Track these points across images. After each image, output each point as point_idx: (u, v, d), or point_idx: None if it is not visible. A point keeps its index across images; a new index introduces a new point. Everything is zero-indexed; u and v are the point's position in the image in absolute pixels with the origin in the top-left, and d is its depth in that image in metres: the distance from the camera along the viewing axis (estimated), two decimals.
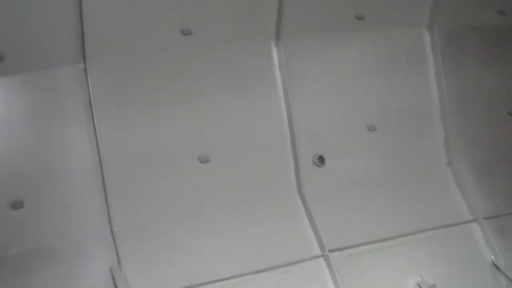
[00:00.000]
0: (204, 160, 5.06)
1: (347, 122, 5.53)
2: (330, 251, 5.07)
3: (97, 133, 4.74)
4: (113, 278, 4.57)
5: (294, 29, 5.27)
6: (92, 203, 4.76)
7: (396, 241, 5.29)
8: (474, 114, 6.02)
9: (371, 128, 5.57)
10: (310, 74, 5.42)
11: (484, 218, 5.57)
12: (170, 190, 4.97)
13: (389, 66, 5.71)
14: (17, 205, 4.54)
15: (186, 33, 4.95)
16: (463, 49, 6.03)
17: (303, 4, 5.23)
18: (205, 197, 5.06)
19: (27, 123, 4.61)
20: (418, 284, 5.15)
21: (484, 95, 6.07)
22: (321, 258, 5.07)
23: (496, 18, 6.17)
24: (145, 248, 4.77)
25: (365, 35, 5.58)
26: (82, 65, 4.71)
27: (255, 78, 5.26)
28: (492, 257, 5.42)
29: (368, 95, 5.62)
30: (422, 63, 5.85)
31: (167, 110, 4.98)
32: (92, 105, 4.71)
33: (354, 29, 5.52)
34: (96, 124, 4.73)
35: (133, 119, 4.88)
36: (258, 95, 5.27)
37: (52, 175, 4.66)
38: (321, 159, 5.37)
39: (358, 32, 5.54)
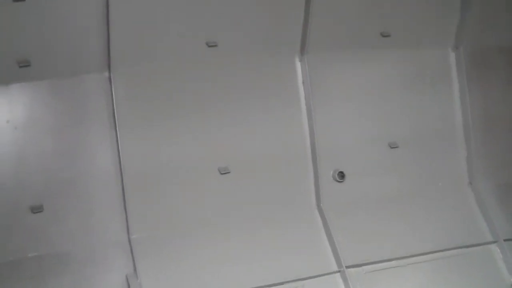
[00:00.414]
0: (224, 171, 5.06)
1: (369, 139, 5.51)
2: (347, 267, 5.05)
3: (119, 142, 4.77)
4: (129, 285, 4.60)
5: (319, 45, 5.28)
6: (111, 210, 4.79)
7: (415, 259, 5.26)
8: (498, 135, 5.97)
9: (393, 146, 5.54)
10: (333, 89, 5.42)
11: (505, 240, 5.50)
12: (188, 201, 4.98)
13: (413, 85, 5.69)
14: (36, 209, 4.58)
15: (211, 45, 4.98)
16: (489, 69, 5.99)
17: (328, 19, 5.24)
18: (223, 209, 5.07)
19: (50, 129, 4.66)
20: None
21: (508, 116, 6.02)
22: (338, 274, 5.05)
23: None
24: (162, 257, 4.78)
25: (390, 52, 5.57)
26: (107, 74, 4.76)
27: (278, 92, 5.27)
28: None
29: (391, 113, 5.60)
30: (446, 83, 5.82)
31: (189, 122, 5.00)
32: (115, 114, 4.75)
33: (379, 46, 5.51)
34: (118, 133, 4.77)
35: (155, 129, 4.91)
36: (281, 109, 5.27)
37: (73, 181, 4.70)
38: (341, 175, 5.35)
39: (383, 49, 5.53)
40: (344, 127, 5.45)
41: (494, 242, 5.49)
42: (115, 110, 4.75)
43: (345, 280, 4.97)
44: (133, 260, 4.69)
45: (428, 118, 5.72)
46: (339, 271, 5.03)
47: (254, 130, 5.18)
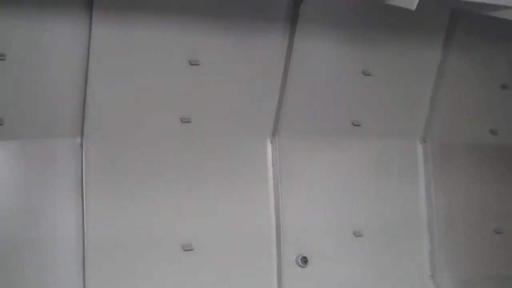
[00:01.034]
0: (187, 248, 5.03)
1: (334, 225, 5.53)
2: None
3: (84, 210, 4.72)
4: None
5: (290, 128, 5.36)
6: (68, 278, 4.68)
7: None
8: (462, 230, 6.05)
9: (357, 234, 5.57)
10: (302, 173, 5.47)
11: None
12: (148, 276, 4.89)
13: (380, 174, 5.78)
14: None
15: (185, 121, 5.04)
16: (455, 165, 6.13)
17: (302, 106, 5.35)
18: (184, 286, 5.01)
19: (16, 189, 4.59)
20: None
21: (472, 212, 6.12)
22: None
23: (489, 137, 6.31)
24: None
25: (360, 141, 5.68)
26: (79, 140, 4.75)
27: (247, 172, 5.30)
28: None
29: (357, 200, 5.66)
30: (413, 174, 5.94)
31: (156, 196, 4.98)
32: (84, 181, 4.71)
33: (350, 134, 5.63)
34: (84, 201, 4.72)
35: (122, 201, 4.88)
36: (249, 190, 5.29)
37: (32, 245, 4.60)
38: (304, 260, 5.34)
39: (353, 137, 5.64)
40: (310, 211, 5.47)
41: None
42: (83, 177, 4.72)
43: None
44: None
45: (394, 209, 5.79)
46: None
47: (221, 209, 5.17)
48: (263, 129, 5.34)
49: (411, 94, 5.82)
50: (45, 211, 4.68)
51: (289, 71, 5.20)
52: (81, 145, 4.76)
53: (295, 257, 5.36)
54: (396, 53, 5.58)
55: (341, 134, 5.61)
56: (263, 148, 5.36)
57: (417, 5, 4.26)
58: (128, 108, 4.87)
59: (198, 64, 4.93)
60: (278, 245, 5.30)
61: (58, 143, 4.72)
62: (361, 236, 5.61)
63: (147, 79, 4.83)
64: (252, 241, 5.27)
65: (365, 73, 5.51)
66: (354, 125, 5.63)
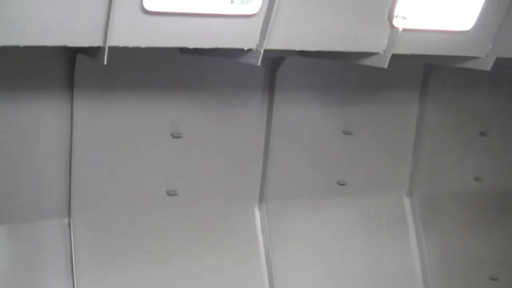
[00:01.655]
0: None
1: (328, 286, 5.52)
2: None
3: None
4: None
5: (277, 194, 5.40)
6: None
7: None
8: (457, 279, 6.05)
9: None
10: (292, 236, 5.47)
11: None
12: None
13: (370, 231, 5.80)
14: None
15: (171, 193, 5.06)
16: (444, 214, 6.17)
17: (286, 170, 5.41)
18: None
19: (4, 276, 4.54)
20: None
21: (466, 260, 6.13)
22: None
23: (474, 184, 6.38)
24: None
25: (346, 199, 5.72)
26: (66, 220, 4.74)
27: (237, 240, 5.30)
28: None
29: (349, 260, 5.65)
30: (403, 228, 5.96)
31: (147, 269, 4.96)
32: (73, 260, 4.69)
33: (336, 194, 5.66)
34: (75, 280, 4.68)
35: (112, 277, 4.85)
36: (240, 257, 5.28)
37: None
38: None
39: (339, 196, 5.68)
40: (303, 273, 5.46)
41: None
42: (73, 257, 4.69)
43: None
44: None
45: (387, 265, 5.79)
46: None
47: (212, 280, 5.14)
48: (249, 196, 5.37)
49: (393, 150, 5.90)
50: None
51: (270, 137, 5.28)
52: (69, 224, 4.75)
53: None
54: (374, 111, 5.69)
55: (328, 195, 5.65)
56: (251, 215, 5.38)
57: (390, 63, 4.42)
58: (114, 184, 4.89)
59: (180, 137, 4.99)
60: None
61: (45, 226, 4.70)
62: None
63: (131, 155, 4.87)
64: None
65: (346, 133, 5.59)
66: (340, 184, 5.67)
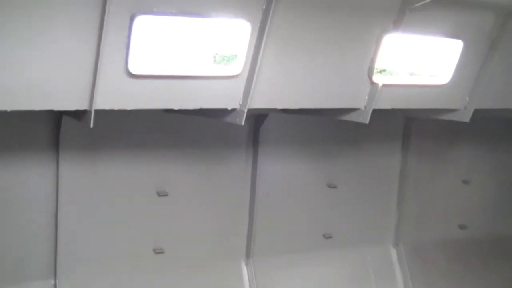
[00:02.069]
0: None
1: None
2: None
3: None
4: None
5: (263, 249, 5.40)
6: None
7: None
8: None
9: None
10: None
11: None
12: None
13: (357, 283, 5.80)
14: None
15: (158, 251, 5.05)
16: (430, 263, 6.20)
17: (272, 225, 5.43)
18: None
19: None
20: None
21: None
22: None
23: (459, 232, 6.44)
24: None
25: (333, 252, 5.72)
26: (52, 281, 4.70)
27: None
28: None
29: None
30: (390, 279, 5.97)
31: None
32: None
33: (322, 247, 5.68)
34: None
35: None
36: None
37: None
38: None
39: (326, 249, 5.69)
40: None
41: None
42: None
43: None
44: None
45: None
46: None
47: None
48: (236, 252, 5.37)
49: (377, 201, 5.96)
50: None
51: (256, 192, 5.32)
52: (55, 285, 4.71)
53: None
54: (358, 164, 5.76)
55: (314, 248, 5.66)
56: (239, 271, 5.36)
57: (371, 117, 4.49)
58: (100, 244, 4.87)
59: (166, 195, 5.01)
60: None
61: (31, 287, 4.65)
62: None
63: (117, 214, 4.88)
64: None
65: (331, 186, 5.65)
66: (326, 237, 5.69)
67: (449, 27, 4.44)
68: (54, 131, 4.54)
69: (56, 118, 4.49)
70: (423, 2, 3.99)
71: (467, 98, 4.90)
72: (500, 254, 6.60)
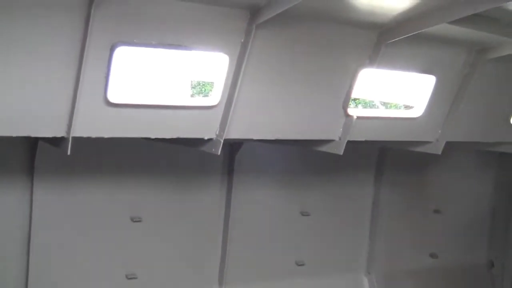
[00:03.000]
0: None
1: None
2: None
3: None
4: None
5: (236, 276, 5.41)
6: None
7: None
8: None
9: None
10: None
11: None
12: None
13: None
14: None
15: (130, 277, 5.02)
16: None
17: (245, 252, 5.45)
18: None
19: None
20: None
21: None
22: None
23: (430, 261, 6.51)
24: None
25: (305, 280, 5.74)
26: None
27: None
28: None
29: None
30: None
31: None
32: None
33: (295, 275, 5.70)
34: None
35: None
36: None
37: None
38: None
39: (298, 277, 5.71)
40: None
41: None
42: None
43: None
44: None
45: None
46: None
47: None
48: (209, 279, 5.37)
49: (350, 229, 6.02)
50: None
51: (230, 219, 5.35)
52: None
53: None
54: (331, 193, 5.83)
55: (287, 275, 5.68)
56: None
57: (345, 148, 4.56)
58: (73, 269, 4.84)
59: (140, 221, 5.02)
60: None
61: None
62: None
63: (90, 240, 4.86)
64: None
65: (304, 214, 5.69)
66: (298, 265, 5.73)
67: (423, 63, 4.57)
68: (29, 157, 4.53)
69: (31, 143, 4.49)
70: (397, 39, 4.11)
71: (439, 131, 5.02)
72: (470, 283, 6.69)
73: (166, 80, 4.17)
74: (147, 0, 3.44)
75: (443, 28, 3.89)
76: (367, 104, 12.93)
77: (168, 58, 4.20)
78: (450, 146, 5.07)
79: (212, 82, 4.13)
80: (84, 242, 4.83)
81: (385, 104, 10.95)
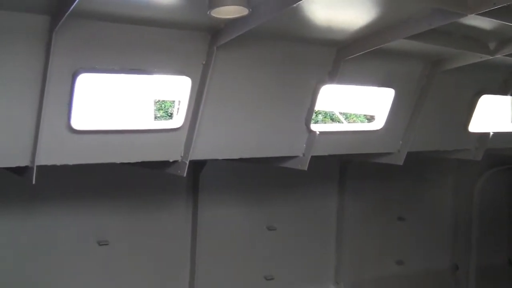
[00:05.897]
0: None
1: None
2: None
3: None
4: None
5: None
6: None
7: None
8: None
9: None
10: None
11: None
12: None
13: None
14: None
15: None
16: None
17: (213, 269, 5.46)
18: None
19: None
20: None
21: None
22: None
23: (396, 268, 6.61)
24: None
25: None
26: None
27: None
28: None
29: None
30: None
31: None
32: None
33: None
34: None
35: None
36: None
37: None
38: None
39: None
40: None
41: None
42: None
43: None
44: None
45: None
46: None
47: None
48: None
49: (317, 241, 6.08)
50: None
51: (197, 237, 5.36)
52: None
53: None
54: (296, 206, 5.89)
55: None
56: None
57: (309, 162, 4.62)
58: None
59: (107, 244, 5.00)
60: None
61: None
62: None
63: (57, 265, 4.81)
64: None
65: (270, 228, 5.74)
66: (267, 279, 5.76)
67: (381, 77, 4.67)
68: None
69: None
70: (355, 55, 4.19)
71: (400, 142, 5.12)
72: (435, 287, 6.81)
73: (129, 102, 4.17)
74: (107, 26, 3.44)
75: (399, 42, 3.98)
76: (327, 115, 13.08)
77: (130, 81, 4.19)
78: (410, 155, 5.17)
79: (173, 101, 4.14)
80: (49, 268, 4.78)
81: (344, 114, 11.10)
